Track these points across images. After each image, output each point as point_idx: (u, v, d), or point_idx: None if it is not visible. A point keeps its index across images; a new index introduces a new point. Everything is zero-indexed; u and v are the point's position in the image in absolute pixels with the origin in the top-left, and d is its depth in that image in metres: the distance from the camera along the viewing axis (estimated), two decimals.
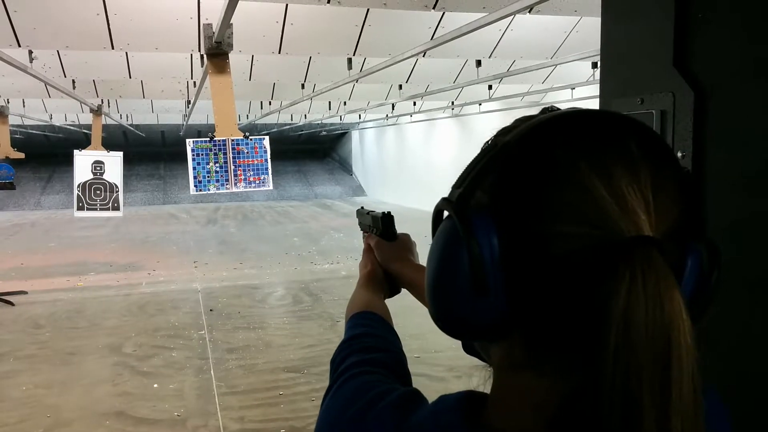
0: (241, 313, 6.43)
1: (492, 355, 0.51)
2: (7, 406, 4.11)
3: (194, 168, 4.10)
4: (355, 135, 24.13)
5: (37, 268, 9.02)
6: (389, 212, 1.08)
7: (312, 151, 25.72)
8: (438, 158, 15.74)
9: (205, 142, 4.36)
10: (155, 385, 4.48)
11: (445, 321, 0.49)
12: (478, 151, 0.50)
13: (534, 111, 0.53)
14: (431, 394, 0.55)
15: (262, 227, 14.04)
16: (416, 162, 17.31)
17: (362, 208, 1.19)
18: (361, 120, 17.41)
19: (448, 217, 0.48)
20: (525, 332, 0.46)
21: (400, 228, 1.06)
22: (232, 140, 4.36)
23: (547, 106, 0.53)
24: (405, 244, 1.04)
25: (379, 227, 1.06)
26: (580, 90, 7.70)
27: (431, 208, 0.51)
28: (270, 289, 7.67)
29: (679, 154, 0.95)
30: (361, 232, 1.18)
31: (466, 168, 0.50)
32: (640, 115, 1.04)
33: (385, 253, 1.04)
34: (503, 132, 0.50)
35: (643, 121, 0.49)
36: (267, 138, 4.29)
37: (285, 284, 7.88)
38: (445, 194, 0.50)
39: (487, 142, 0.51)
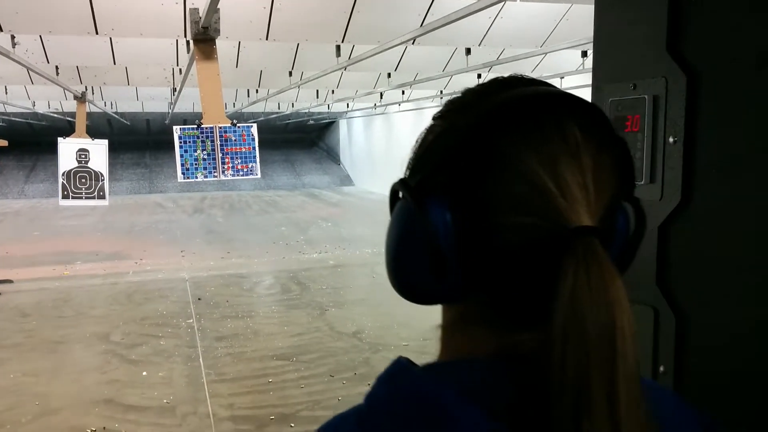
0: (230, 302, 6.42)
1: (444, 312, 0.56)
2: None
3: (181, 155, 4.06)
4: (342, 124, 24.05)
5: (22, 257, 8.93)
6: None
7: (299, 140, 25.61)
8: None
9: (193, 129, 4.31)
10: (144, 373, 4.47)
11: (406, 292, 0.53)
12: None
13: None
14: None
15: (250, 217, 13.98)
16: (405, 152, 17.16)
17: None
18: (349, 109, 17.35)
19: (403, 198, 0.51)
20: (476, 301, 0.50)
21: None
22: (220, 128, 4.32)
23: (497, 77, 0.55)
24: None
25: None
26: (569, 79, 7.72)
27: None
28: (258, 278, 7.66)
29: (671, 140, 0.96)
30: None
31: (418, 149, 0.54)
32: (632, 100, 1.05)
33: None
34: (455, 109, 0.53)
35: (582, 98, 0.51)
36: (255, 126, 4.26)
37: (273, 273, 7.87)
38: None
39: (437, 117, 0.54)
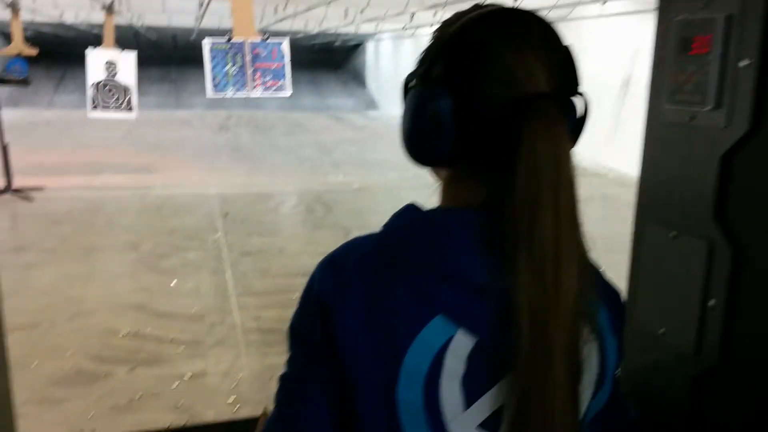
0: (255, 220, 6.52)
1: (441, 173, 0.74)
2: (33, 294, 4.26)
3: (212, 69, 4.01)
4: (370, 47, 23.44)
5: (53, 166, 9.09)
6: None
7: (325, 61, 25.08)
8: None
9: (223, 42, 4.24)
10: (173, 283, 4.61)
11: (415, 154, 0.71)
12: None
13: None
14: None
15: (275, 137, 13.95)
16: None
17: None
18: (377, 31, 16.85)
19: (415, 85, 0.71)
20: (468, 160, 0.68)
21: None
22: (250, 42, 4.24)
23: (478, 2, 0.72)
24: None
25: None
26: (610, 5, 7.37)
27: None
28: (283, 197, 7.73)
29: (743, 63, 0.91)
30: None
31: (424, 51, 0.73)
32: (702, 20, 0.99)
33: None
34: (447, 23, 0.70)
35: (542, 17, 0.69)
36: (287, 41, 4.16)
37: (298, 194, 7.93)
38: None
39: (435, 31, 0.72)
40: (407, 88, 0.73)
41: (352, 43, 23.14)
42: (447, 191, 0.73)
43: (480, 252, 0.64)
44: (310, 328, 0.69)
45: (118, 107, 8.27)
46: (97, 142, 11.73)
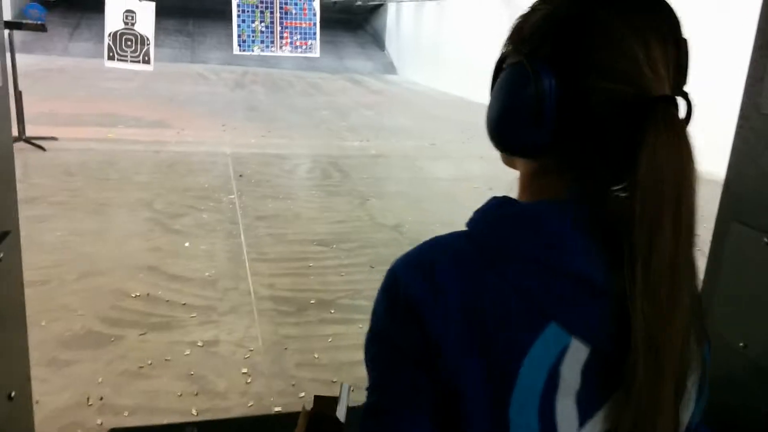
0: (270, 182, 6.38)
1: (522, 165, 0.68)
2: (43, 249, 4.16)
3: (239, 26, 3.81)
4: (391, 8, 22.89)
5: (66, 116, 8.94)
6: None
7: (345, 21, 24.56)
8: (480, 40, 14.93)
9: None
10: (186, 244, 4.50)
11: (502, 139, 0.66)
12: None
13: None
14: None
15: (291, 97, 13.71)
16: (455, 43, 16.48)
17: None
18: None
19: (514, 64, 0.63)
20: (562, 153, 0.62)
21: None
22: None
23: None
24: None
25: None
26: None
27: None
28: (298, 160, 7.57)
29: None
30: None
31: (523, 26, 0.64)
32: None
33: None
34: None
35: (669, 3, 0.61)
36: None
37: (313, 157, 7.77)
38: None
39: (542, 3, 0.63)
40: (501, 66, 0.66)
41: (374, 3, 22.61)
42: (530, 184, 0.67)
43: (594, 250, 0.59)
44: (405, 339, 0.60)
45: (135, 58, 8.07)
46: (110, 93, 11.56)
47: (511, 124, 0.63)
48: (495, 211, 0.64)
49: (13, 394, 0.83)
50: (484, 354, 0.57)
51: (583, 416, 0.59)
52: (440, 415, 0.59)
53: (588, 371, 0.58)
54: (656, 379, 0.56)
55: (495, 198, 0.65)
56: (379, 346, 0.63)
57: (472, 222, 0.65)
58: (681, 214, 0.55)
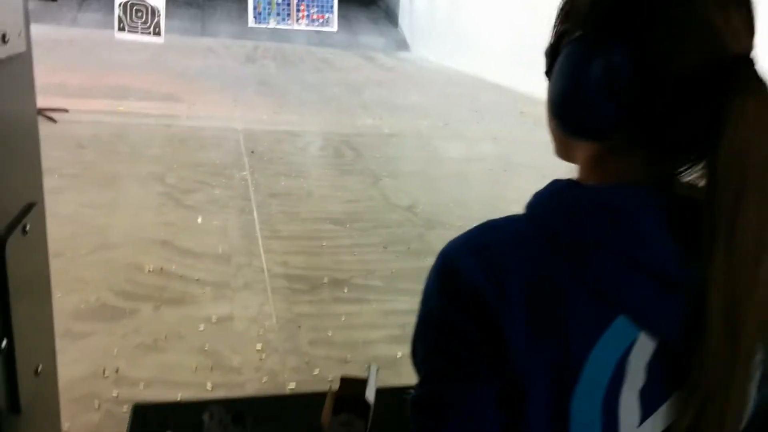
0: (283, 159, 6.34)
1: (584, 149, 0.63)
2: (57, 221, 4.15)
3: None
4: None
5: (77, 88, 8.89)
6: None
7: None
8: (497, 18, 14.70)
9: None
10: (199, 220, 4.49)
11: (572, 119, 0.60)
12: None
13: None
14: None
15: (303, 72, 13.58)
16: (470, 20, 16.25)
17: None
18: None
19: (577, 39, 0.59)
20: (632, 130, 0.57)
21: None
22: None
23: None
24: None
25: None
26: None
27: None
28: (311, 138, 7.51)
29: None
30: None
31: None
32: None
33: None
34: None
35: None
36: None
37: (326, 135, 7.71)
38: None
39: None
40: (558, 45, 0.62)
41: None
42: (595, 165, 0.62)
43: (669, 238, 0.56)
44: (467, 327, 0.57)
45: (146, 30, 8.00)
46: (121, 65, 11.49)
47: (581, 102, 0.58)
48: (562, 194, 0.61)
49: (40, 368, 0.80)
50: (549, 344, 0.55)
51: (646, 412, 0.57)
52: (501, 405, 0.57)
53: (653, 366, 0.57)
54: (732, 363, 0.54)
55: (557, 181, 0.62)
56: (437, 335, 0.60)
57: (533, 206, 0.62)
58: (766, 186, 0.52)
